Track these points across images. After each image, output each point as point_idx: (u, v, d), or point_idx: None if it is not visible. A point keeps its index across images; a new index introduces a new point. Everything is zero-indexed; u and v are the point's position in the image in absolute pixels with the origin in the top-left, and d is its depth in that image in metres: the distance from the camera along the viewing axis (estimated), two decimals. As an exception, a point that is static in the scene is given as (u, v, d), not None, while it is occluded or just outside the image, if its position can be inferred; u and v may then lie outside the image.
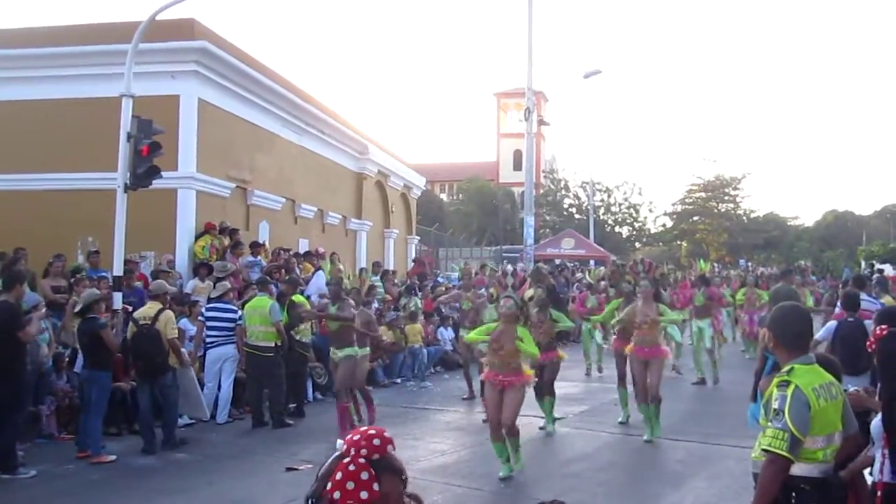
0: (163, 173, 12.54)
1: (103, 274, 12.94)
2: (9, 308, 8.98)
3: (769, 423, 3.77)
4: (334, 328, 11.26)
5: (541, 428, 11.11)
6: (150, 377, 10.39)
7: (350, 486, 2.10)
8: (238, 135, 17.55)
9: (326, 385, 13.30)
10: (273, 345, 11.81)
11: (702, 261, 21.06)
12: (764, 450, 3.76)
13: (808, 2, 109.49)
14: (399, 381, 16.27)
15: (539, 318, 10.47)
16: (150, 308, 10.65)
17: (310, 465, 9.14)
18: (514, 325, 8.77)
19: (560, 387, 11.71)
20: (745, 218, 57.03)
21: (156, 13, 12.70)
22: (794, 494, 3.77)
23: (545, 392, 11.01)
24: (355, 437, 2.19)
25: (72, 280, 12.52)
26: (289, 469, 9.02)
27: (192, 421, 11.67)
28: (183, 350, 11.13)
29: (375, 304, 17.31)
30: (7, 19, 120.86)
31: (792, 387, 3.75)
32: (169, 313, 10.66)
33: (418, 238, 31.73)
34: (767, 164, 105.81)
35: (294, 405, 12.39)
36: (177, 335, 10.75)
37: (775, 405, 3.75)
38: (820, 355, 4.33)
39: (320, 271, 16.44)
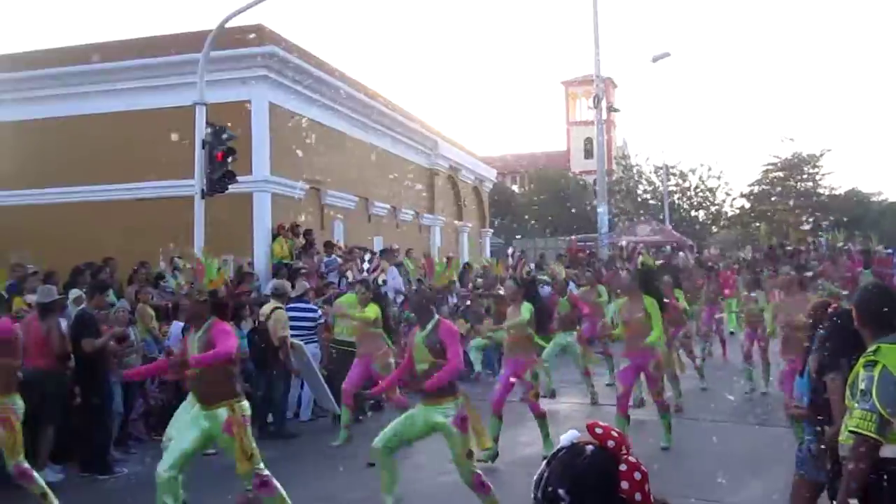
0: (238, 178, 12.81)
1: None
2: (83, 317, 9.37)
3: (856, 405, 3.66)
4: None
5: None
6: (262, 370, 11.09)
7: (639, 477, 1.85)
8: (309, 136, 17.78)
9: None
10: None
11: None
12: (851, 431, 3.66)
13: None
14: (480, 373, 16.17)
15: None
16: (269, 306, 11.27)
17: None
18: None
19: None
20: (825, 196, 55.38)
21: (225, 21, 12.93)
22: (885, 477, 3.64)
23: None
24: (614, 434, 1.87)
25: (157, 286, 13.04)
26: (370, 464, 9.09)
27: (323, 415, 12.28)
28: (297, 343, 11.31)
29: (454, 298, 17.35)
30: (78, 36, 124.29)
31: (879, 367, 3.64)
32: (280, 313, 11.10)
33: (492, 231, 31.71)
34: (847, 140, 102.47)
35: (374, 399, 12.50)
36: (287, 334, 11.04)
37: (862, 386, 3.65)
38: None
39: (394, 268, 16.45)
